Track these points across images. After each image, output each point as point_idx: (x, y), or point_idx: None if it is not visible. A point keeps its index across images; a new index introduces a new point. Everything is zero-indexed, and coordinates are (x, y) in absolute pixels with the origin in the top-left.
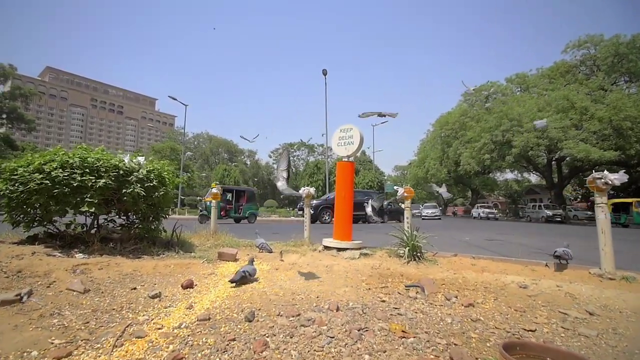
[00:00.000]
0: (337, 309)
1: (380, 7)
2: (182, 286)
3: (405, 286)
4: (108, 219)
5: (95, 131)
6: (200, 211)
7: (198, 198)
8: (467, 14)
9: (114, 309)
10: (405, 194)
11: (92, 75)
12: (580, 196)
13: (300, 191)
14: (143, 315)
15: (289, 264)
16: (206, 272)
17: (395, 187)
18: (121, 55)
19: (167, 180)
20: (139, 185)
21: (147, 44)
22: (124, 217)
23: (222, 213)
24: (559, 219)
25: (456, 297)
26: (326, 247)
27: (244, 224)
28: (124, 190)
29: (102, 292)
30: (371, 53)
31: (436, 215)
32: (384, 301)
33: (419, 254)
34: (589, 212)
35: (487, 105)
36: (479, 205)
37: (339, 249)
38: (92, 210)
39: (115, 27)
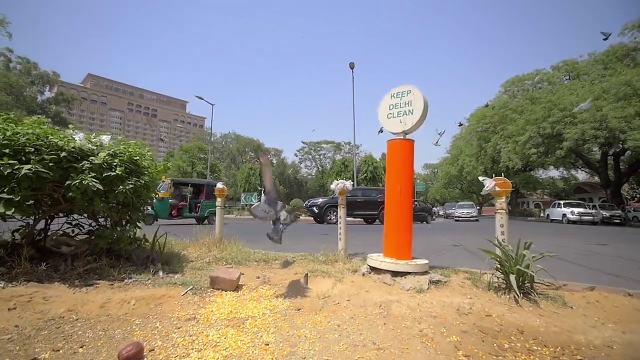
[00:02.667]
0: None
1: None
2: (119, 358)
3: None
4: (73, 223)
5: (131, 133)
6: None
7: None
8: (495, 6)
9: None
10: (498, 189)
11: (128, 80)
12: (638, 195)
13: (333, 186)
14: None
15: (319, 297)
16: (183, 315)
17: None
18: (155, 59)
19: (143, 168)
20: (92, 175)
21: (178, 47)
22: (93, 221)
23: (173, 212)
24: (617, 221)
25: None
26: (373, 269)
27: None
28: (67, 182)
29: None
30: (395, 48)
31: (472, 216)
32: None
33: (528, 284)
34: None
35: (532, 95)
36: (564, 202)
37: (395, 273)
38: (11, 212)
39: (148, 33)
